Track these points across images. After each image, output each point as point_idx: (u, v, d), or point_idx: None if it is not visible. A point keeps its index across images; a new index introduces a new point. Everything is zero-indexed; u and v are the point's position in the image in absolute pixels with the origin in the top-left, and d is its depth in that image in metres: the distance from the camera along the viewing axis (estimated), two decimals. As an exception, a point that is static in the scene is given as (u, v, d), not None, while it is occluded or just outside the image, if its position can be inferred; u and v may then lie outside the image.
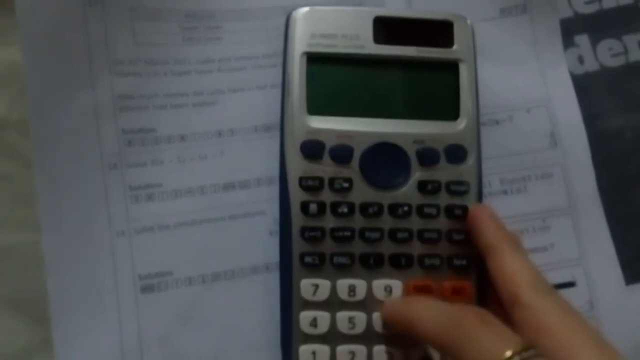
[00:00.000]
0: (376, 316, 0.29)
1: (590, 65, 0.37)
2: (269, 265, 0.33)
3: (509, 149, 0.35)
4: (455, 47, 0.32)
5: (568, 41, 0.37)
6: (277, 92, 0.32)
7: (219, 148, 0.34)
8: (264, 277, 0.33)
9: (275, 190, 0.31)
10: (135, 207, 0.33)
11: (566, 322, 0.25)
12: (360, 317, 0.29)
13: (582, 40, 0.37)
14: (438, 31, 0.32)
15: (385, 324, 0.29)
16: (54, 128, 0.32)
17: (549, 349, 0.24)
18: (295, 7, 0.32)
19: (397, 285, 0.29)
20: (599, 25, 0.37)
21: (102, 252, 0.32)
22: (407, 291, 0.29)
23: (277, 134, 0.32)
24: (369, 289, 0.29)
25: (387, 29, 0.32)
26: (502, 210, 0.31)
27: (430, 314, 0.26)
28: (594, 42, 0.37)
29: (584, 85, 0.37)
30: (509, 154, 0.35)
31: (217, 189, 0.33)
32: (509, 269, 0.27)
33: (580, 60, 0.37)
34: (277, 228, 0.31)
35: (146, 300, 0.32)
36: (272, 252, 0.32)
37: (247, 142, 0.34)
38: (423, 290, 0.29)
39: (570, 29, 0.37)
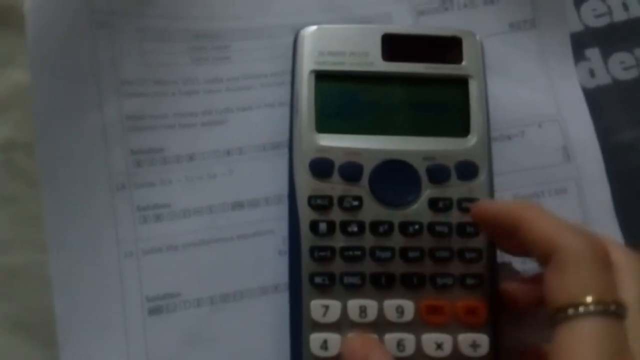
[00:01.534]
0: (388, 338, 0.28)
1: (602, 79, 0.37)
2: (278, 286, 0.32)
3: (522, 164, 0.35)
4: (464, 63, 0.32)
5: (579, 55, 0.37)
6: (286, 110, 0.32)
7: (228, 167, 0.34)
8: (273, 297, 0.32)
9: (284, 209, 0.31)
10: (143, 228, 0.33)
11: None
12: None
13: (593, 53, 0.37)
14: (447, 47, 0.32)
15: (477, 217, 0.28)
16: (61, 149, 0.33)
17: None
18: (303, 26, 0.32)
19: (409, 305, 0.29)
20: (609, 39, 0.37)
21: (109, 273, 0.32)
22: (420, 311, 0.29)
23: (286, 152, 0.32)
24: (380, 309, 0.29)
25: (396, 46, 0.32)
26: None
27: (553, 220, 0.25)
28: (605, 56, 0.37)
29: (596, 98, 0.36)
30: (522, 169, 0.35)
31: (225, 208, 0.33)
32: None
33: (592, 73, 0.37)
34: (286, 247, 0.31)
35: (154, 322, 0.32)
36: (281, 272, 0.31)
37: (255, 161, 0.34)
38: (436, 310, 0.28)
39: (580, 43, 0.37)
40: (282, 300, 0.31)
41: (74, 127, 0.33)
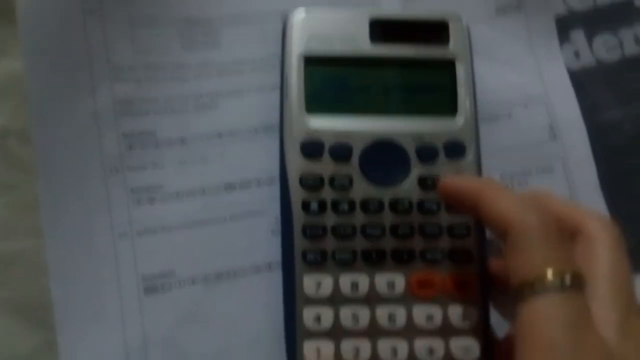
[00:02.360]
0: (380, 311, 0.29)
1: (587, 60, 0.38)
2: (271, 264, 0.33)
3: (509, 144, 0.36)
4: (451, 45, 0.32)
5: (563, 37, 0.37)
6: (276, 94, 0.33)
7: (220, 150, 0.34)
8: (266, 276, 0.33)
9: (275, 190, 0.31)
10: (137, 210, 0.33)
11: (618, 259, 0.25)
12: (363, 312, 0.29)
13: (578, 35, 0.38)
14: (434, 31, 0.32)
15: (442, 195, 0.29)
16: (55, 135, 0.33)
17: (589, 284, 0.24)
18: (291, 11, 0.32)
19: (399, 279, 0.29)
20: (593, 21, 0.38)
21: (105, 255, 0.32)
22: (410, 285, 0.29)
23: (277, 134, 0.32)
24: (372, 284, 0.29)
25: (384, 29, 0.32)
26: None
27: (507, 198, 0.25)
28: (590, 37, 0.38)
29: (581, 79, 0.37)
30: (509, 149, 0.36)
31: (218, 189, 0.34)
32: (567, 203, 0.27)
33: (577, 55, 0.37)
34: (278, 227, 0.31)
35: (150, 301, 0.32)
36: (273, 251, 0.32)
37: (247, 143, 0.34)
38: (426, 284, 0.29)
39: (565, 25, 0.38)
40: (276, 279, 0.31)
41: (67, 112, 0.33)
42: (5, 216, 0.33)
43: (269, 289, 0.32)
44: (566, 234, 0.26)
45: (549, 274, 0.23)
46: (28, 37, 0.33)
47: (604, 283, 0.24)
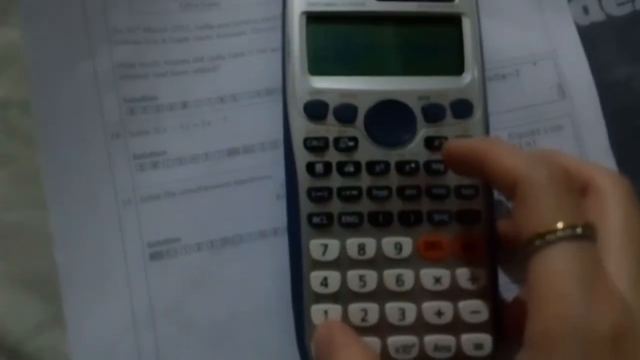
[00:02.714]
0: (387, 274, 0.29)
1: (596, 16, 0.36)
2: (276, 229, 0.33)
3: (517, 103, 0.35)
4: (456, 0, 0.31)
5: (571, -8, 0.36)
6: (278, 56, 0.32)
7: (222, 114, 0.34)
8: (272, 240, 0.33)
9: (280, 154, 0.31)
10: (140, 176, 0.33)
11: (630, 214, 0.25)
12: (371, 275, 0.29)
13: (586, -10, 0.37)
14: None
15: (447, 158, 0.28)
16: (55, 103, 0.32)
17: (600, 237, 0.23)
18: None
19: (407, 242, 0.29)
20: (603, -26, 0.37)
21: (109, 223, 0.32)
22: (418, 248, 0.29)
23: (280, 97, 0.31)
24: (379, 247, 0.29)
25: None
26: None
27: (515, 154, 0.25)
28: (599, -8, 0.37)
29: (590, 35, 0.36)
30: (517, 108, 0.35)
31: (221, 154, 0.33)
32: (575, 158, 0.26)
33: (585, 10, 0.36)
34: (283, 191, 0.31)
35: (155, 268, 0.32)
36: (279, 215, 0.31)
37: (249, 107, 0.34)
38: (434, 246, 0.29)
39: (573, -20, 0.36)
40: (281, 243, 0.31)
41: (66, 79, 0.33)
42: (7, 188, 0.33)
43: (275, 254, 0.32)
44: (576, 188, 0.25)
45: (560, 225, 0.22)
46: (25, 4, 0.33)
47: (616, 236, 0.24)
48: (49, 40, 0.33)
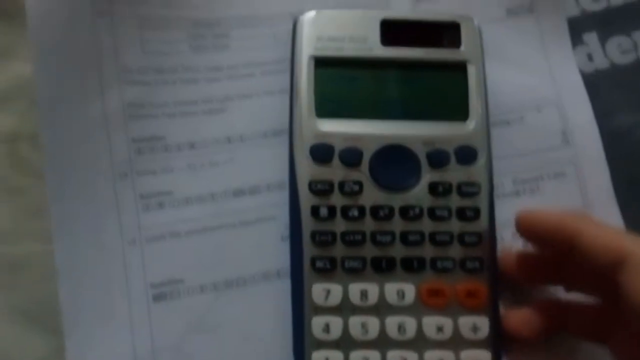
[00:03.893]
0: (389, 321, 0.29)
1: (600, 63, 0.37)
2: (280, 271, 0.32)
3: (521, 148, 0.35)
4: (462, 48, 0.32)
5: (576, 39, 0.37)
6: (286, 98, 0.32)
7: (229, 154, 0.34)
8: (276, 283, 0.32)
9: (285, 195, 0.31)
10: (146, 216, 0.33)
11: None
12: (373, 322, 0.28)
13: (591, 38, 0.37)
14: (445, 32, 0.32)
15: (524, 228, 0.29)
16: (64, 138, 0.33)
17: None
18: (301, 13, 0.32)
19: (409, 288, 0.29)
20: (607, 23, 0.37)
21: (113, 261, 0.32)
22: (421, 295, 0.29)
23: (287, 138, 0.32)
24: (381, 293, 0.29)
25: (395, 31, 0.32)
26: (515, 211, 0.31)
27: (610, 233, 0.27)
28: (603, 40, 0.37)
29: (594, 82, 0.36)
30: (521, 154, 0.35)
31: (227, 195, 0.33)
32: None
33: (590, 57, 0.37)
34: (288, 233, 0.31)
35: (158, 309, 0.32)
36: (283, 257, 0.31)
37: (256, 148, 0.34)
38: (436, 293, 0.29)
39: (578, 27, 0.37)
40: (285, 286, 0.31)
41: (76, 116, 0.33)
42: (14, 221, 0.33)
43: (278, 297, 0.32)
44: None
45: None
46: (37, 40, 0.33)
47: None
48: (60, 76, 0.33)
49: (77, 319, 0.31)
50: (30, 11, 0.33)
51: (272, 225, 0.33)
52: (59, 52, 0.33)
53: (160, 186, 0.33)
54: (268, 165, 0.34)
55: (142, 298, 0.32)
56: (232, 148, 0.34)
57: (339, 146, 0.30)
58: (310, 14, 0.32)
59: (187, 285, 0.32)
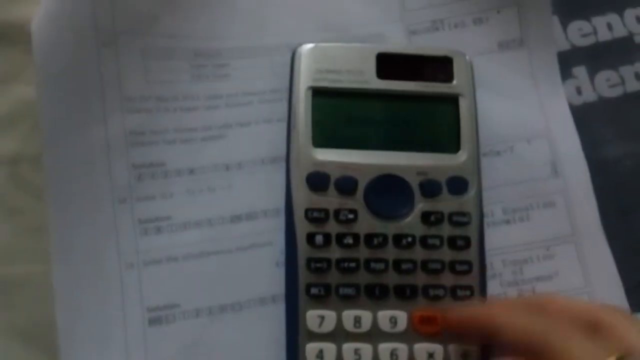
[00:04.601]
0: (382, 348, 0.29)
1: (589, 96, 0.38)
2: (275, 297, 0.33)
3: (511, 179, 0.36)
4: (455, 82, 0.33)
5: (566, 73, 0.38)
6: (283, 126, 0.33)
7: (227, 181, 0.34)
8: (270, 308, 0.32)
9: (281, 222, 0.32)
10: (144, 240, 0.33)
11: None
12: (366, 348, 0.29)
13: (580, 71, 0.38)
14: (438, 67, 0.33)
15: (457, 326, 0.29)
16: (66, 162, 0.33)
17: None
18: (299, 45, 0.33)
19: (402, 315, 0.29)
20: (595, 57, 0.38)
21: (111, 285, 0.32)
22: (413, 322, 0.29)
23: (283, 166, 0.32)
24: (375, 320, 0.29)
25: (390, 64, 0.33)
26: (505, 239, 0.32)
27: (521, 320, 0.27)
28: (592, 74, 0.38)
29: (582, 115, 0.37)
30: (511, 183, 0.36)
31: (224, 221, 0.34)
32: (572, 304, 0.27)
33: (579, 91, 0.38)
34: (283, 259, 0.31)
35: (154, 333, 0.32)
36: (278, 283, 0.32)
37: (254, 175, 0.35)
38: (428, 321, 0.29)
39: (568, 61, 0.38)
40: (280, 311, 0.31)
41: (78, 141, 0.33)
42: (13, 240, 0.33)
43: (273, 322, 0.32)
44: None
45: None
46: (42, 65, 0.33)
47: None
48: (64, 101, 0.34)
49: (74, 340, 0.31)
50: (36, 37, 0.33)
51: (267, 251, 0.33)
52: (63, 78, 0.34)
53: (159, 211, 0.34)
54: (265, 191, 0.34)
55: (138, 321, 0.32)
56: (230, 175, 0.35)
57: (334, 175, 0.31)
58: (308, 47, 0.33)
59: (183, 309, 0.32)
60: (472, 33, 0.37)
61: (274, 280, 0.32)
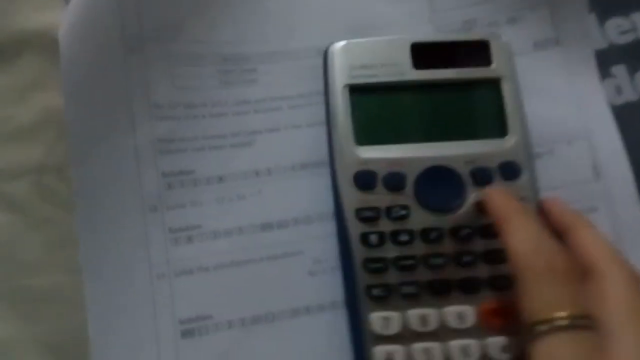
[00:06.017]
0: (453, 345, 0.28)
1: (629, 95, 0.37)
2: (309, 308, 0.32)
3: (552, 182, 0.34)
4: (494, 65, 0.32)
5: (605, 72, 0.37)
6: (313, 130, 0.33)
7: (257, 188, 0.33)
8: (304, 319, 0.31)
9: (313, 229, 0.31)
10: (175, 250, 0.32)
11: (631, 297, 0.25)
12: (436, 348, 0.28)
13: (619, 70, 0.37)
14: (475, 51, 0.32)
15: (483, 201, 0.29)
16: (94, 171, 0.32)
17: (602, 322, 0.24)
18: (330, 44, 0.33)
19: (469, 310, 0.28)
20: (635, 55, 0.37)
21: (142, 296, 0.31)
22: (481, 316, 0.28)
23: (315, 171, 0.32)
24: (441, 317, 0.28)
25: (425, 54, 0.32)
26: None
27: (524, 233, 0.26)
28: (632, 72, 0.37)
29: (624, 115, 0.36)
30: (552, 187, 0.34)
31: (255, 229, 0.33)
32: (587, 241, 0.27)
33: (618, 90, 0.37)
34: (315, 268, 0.31)
35: (186, 346, 0.31)
36: (311, 293, 0.31)
37: (284, 181, 0.34)
38: (497, 313, 0.28)
39: (606, 60, 0.37)
40: (314, 322, 0.31)
41: (106, 150, 0.33)
42: (42, 252, 0.32)
43: (307, 333, 0.31)
44: (577, 273, 0.26)
45: (556, 315, 0.24)
46: (69, 74, 0.33)
47: (618, 321, 0.24)
48: (91, 110, 0.33)
49: (105, 353, 0.30)
50: (62, 45, 0.32)
51: (299, 260, 0.32)
52: (90, 85, 0.33)
53: (189, 220, 0.33)
54: (295, 198, 0.33)
55: (170, 334, 0.31)
56: (259, 181, 0.34)
57: (381, 172, 0.30)
58: (340, 44, 0.32)
59: (215, 321, 0.31)
60: (506, 33, 0.36)
61: (307, 290, 0.32)
